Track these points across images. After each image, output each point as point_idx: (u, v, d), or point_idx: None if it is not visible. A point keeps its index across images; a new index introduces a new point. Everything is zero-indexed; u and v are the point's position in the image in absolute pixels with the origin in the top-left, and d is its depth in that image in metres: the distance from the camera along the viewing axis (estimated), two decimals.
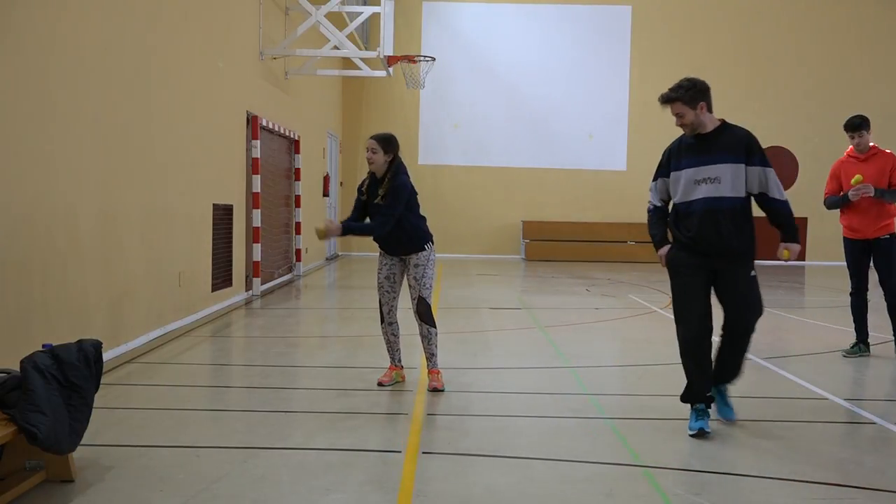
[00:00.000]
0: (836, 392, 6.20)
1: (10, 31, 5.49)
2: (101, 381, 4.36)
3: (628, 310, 10.96)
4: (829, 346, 8.07)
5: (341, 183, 20.11)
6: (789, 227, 5.16)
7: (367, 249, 20.06)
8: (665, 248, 5.24)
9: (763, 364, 7.30)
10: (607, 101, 20.54)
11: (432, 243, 6.12)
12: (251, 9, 11.87)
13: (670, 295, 5.33)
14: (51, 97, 6.01)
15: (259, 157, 11.70)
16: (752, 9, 20.73)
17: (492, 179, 20.79)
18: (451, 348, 7.81)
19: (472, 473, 4.28)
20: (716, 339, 5.21)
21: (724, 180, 4.96)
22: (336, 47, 14.23)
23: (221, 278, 10.51)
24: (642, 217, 5.92)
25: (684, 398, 5.15)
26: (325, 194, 17.64)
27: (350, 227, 5.97)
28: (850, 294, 7.67)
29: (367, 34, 19.73)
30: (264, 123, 12.06)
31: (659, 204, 5.30)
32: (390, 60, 14.10)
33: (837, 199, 7.54)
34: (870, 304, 7.75)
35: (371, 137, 6.12)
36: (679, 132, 5.22)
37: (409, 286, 6.07)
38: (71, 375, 4.04)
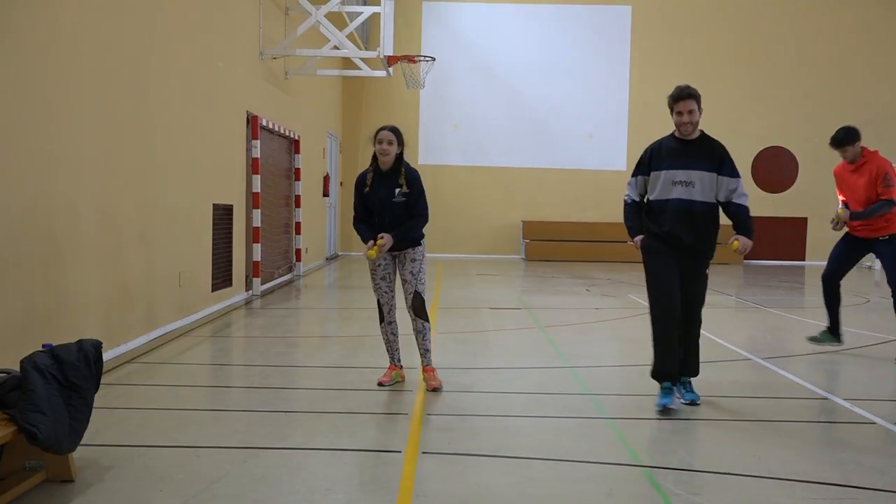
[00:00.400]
0: (836, 392, 6.20)
1: (10, 31, 5.49)
2: (101, 381, 4.36)
3: (628, 310, 10.96)
4: (829, 345, 8.05)
5: (341, 183, 20.11)
6: (748, 226, 5.63)
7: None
8: (640, 237, 5.71)
9: (763, 364, 7.30)
10: (607, 101, 20.54)
11: (424, 238, 6.17)
12: (251, 9, 11.87)
13: (706, 291, 5.80)
14: (50, 97, 6.01)
15: (259, 157, 11.70)
16: (752, 9, 20.73)
17: (492, 179, 20.79)
18: (451, 348, 7.81)
19: (471, 473, 4.28)
20: None
21: (697, 185, 5.51)
22: (336, 47, 14.23)
23: (221, 278, 10.51)
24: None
25: (654, 375, 5.59)
26: (325, 194, 17.64)
27: (401, 235, 5.91)
28: (822, 279, 7.75)
29: (367, 34, 19.74)
30: (264, 123, 12.06)
31: (637, 198, 5.78)
32: (390, 60, 14.09)
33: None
34: (870, 304, 7.75)
35: (386, 129, 5.96)
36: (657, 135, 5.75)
37: (404, 281, 6.07)
38: (71, 375, 4.04)
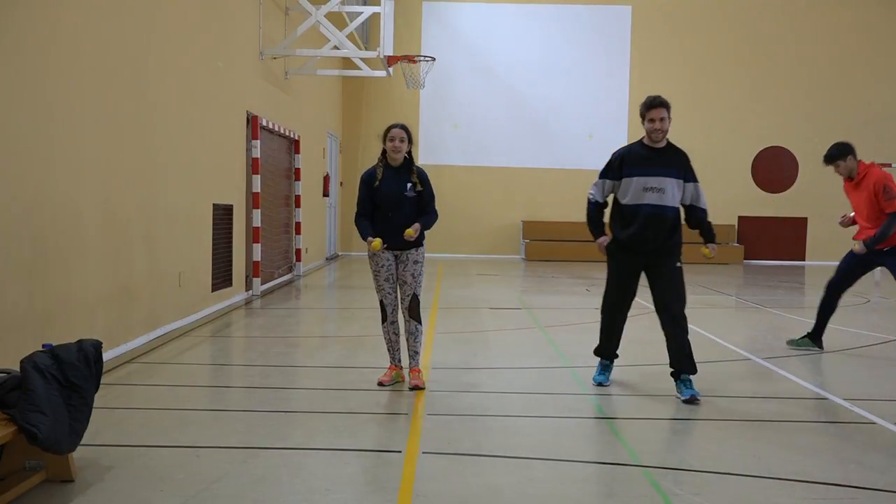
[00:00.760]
0: (836, 392, 6.20)
1: (10, 31, 5.49)
2: (101, 381, 4.36)
3: None
4: (829, 346, 8.07)
5: (341, 183, 20.11)
6: (710, 230, 6.13)
7: (366, 249, 20.02)
8: (604, 238, 6.14)
9: (763, 364, 7.30)
10: (607, 101, 20.53)
11: (425, 239, 6.19)
12: (251, 9, 11.87)
13: (685, 295, 6.05)
14: (51, 97, 6.01)
15: (259, 157, 11.70)
16: (752, 9, 20.72)
17: (492, 179, 20.79)
18: (451, 348, 7.81)
19: (472, 473, 4.28)
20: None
21: (667, 191, 5.90)
22: (336, 47, 14.23)
23: (221, 278, 10.51)
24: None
25: (597, 352, 6.31)
26: (325, 194, 17.64)
27: (424, 224, 5.98)
28: (826, 285, 7.78)
29: (367, 34, 19.73)
30: (264, 123, 12.06)
31: (601, 200, 6.16)
32: (390, 60, 14.09)
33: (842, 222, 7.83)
34: (871, 304, 7.75)
35: (398, 127, 6.01)
36: (622, 141, 5.85)
37: (403, 283, 6.09)
38: (71, 375, 4.04)
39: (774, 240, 20.83)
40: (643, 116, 5.95)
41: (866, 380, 6.97)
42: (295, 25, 13.87)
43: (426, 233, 6.18)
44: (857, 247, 7.51)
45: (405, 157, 6.04)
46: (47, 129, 5.97)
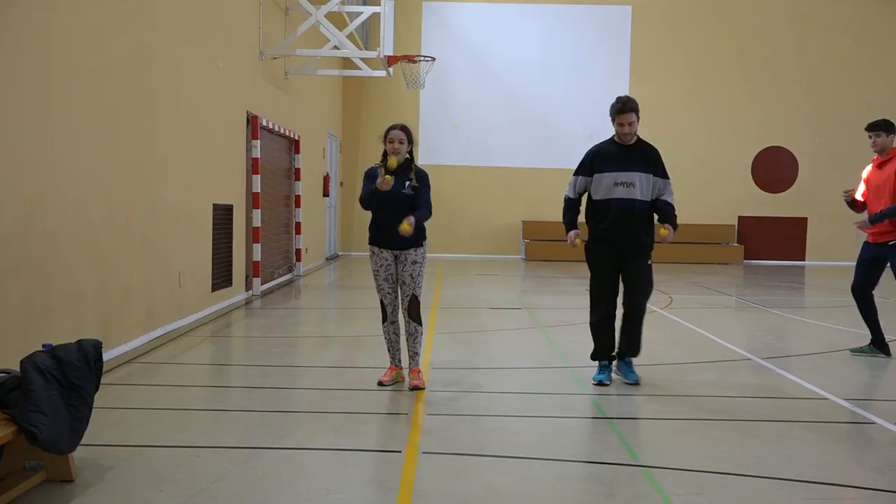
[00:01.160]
0: (836, 392, 6.20)
1: (9, 31, 5.49)
2: (101, 381, 4.36)
3: None
4: (829, 346, 8.07)
5: (341, 183, 20.11)
6: (673, 219, 6.29)
7: (366, 249, 20.01)
8: (574, 232, 6.36)
9: (763, 364, 7.30)
10: (607, 101, 20.27)
11: (426, 240, 6.18)
12: (251, 9, 11.87)
13: (652, 287, 6.43)
14: (50, 97, 6.01)
15: (259, 157, 11.70)
16: (752, 9, 20.72)
17: (492, 179, 20.79)
18: (451, 348, 7.81)
19: (472, 473, 4.28)
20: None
21: (637, 186, 6.17)
22: (336, 47, 14.23)
23: (221, 278, 10.51)
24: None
25: (594, 356, 6.45)
26: (325, 194, 17.64)
27: (417, 217, 5.90)
28: (851, 291, 7.67)
29: (367, 34, 19.73)
30: (264, 123, 12.06)
31: (574, 196, 6.45)
32: (390, 60, 14.09)
33: (849, 203, 7.65)
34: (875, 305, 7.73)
35: (397, 128, 6.00)
36: (592, 140, 6.66)
37: (402, 283, 6.08)
38: (71, 375, 4.04)
39: (774, 240, 20.83)
40: (613, 119, 6.27)
41: (866, 380, 6.97)
42: (295, 25, 13.88)
43: (427, 234, 6.18)
44: (861, 221, 7.42)
45: (406, 157, 6.04)
46: (47, 129, 5.97)
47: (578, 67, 20.67)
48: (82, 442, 4.14)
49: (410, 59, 15.01)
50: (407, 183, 5.97)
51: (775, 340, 8.91)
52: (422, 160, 20.07)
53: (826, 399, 6.04)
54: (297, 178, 14.63)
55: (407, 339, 6.16)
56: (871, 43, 20.68)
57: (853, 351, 7.74)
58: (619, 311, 6.51)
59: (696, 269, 18.52)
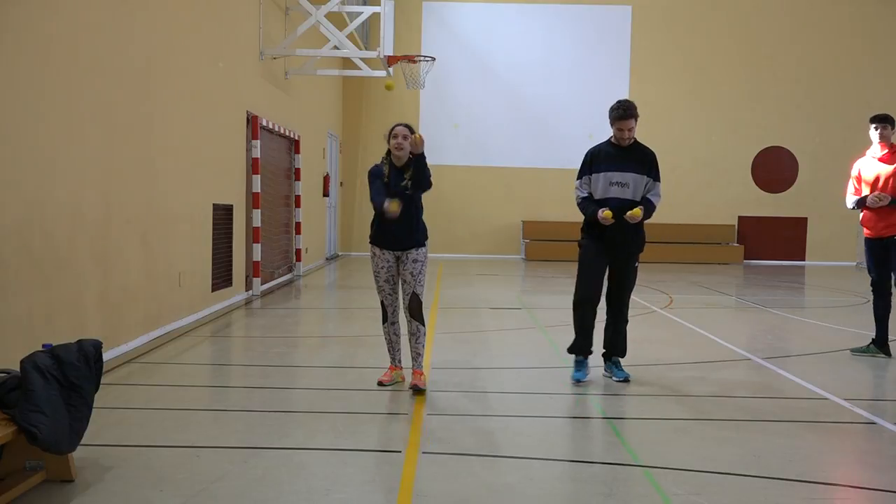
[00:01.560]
0: (836, 392, 6.20)
1: (9, 30, 5.49)
2: (101, 381, 4.36)
3: None
4: (829, 346, 8.07)
5: (341, 183, 20.11)
6: (649, 211, 6.34)
7: (366, 249, 20.00)
8: (601, 210, 6.25)
9: (763, 364, 7.30)
10: (607, 101, 20.26)
11: (428, 240, 6.15)
12: (251, 9, 11.87)
13: (635, 280, 6.59)
14: (50, 97, 6.01)
15: (259, 157, 11.70)
16: (752, 9, 20.72)
17: (492, 179, 20.78)
18: (451, 348, 7.81)
19: (472, 473, 4.28)
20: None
21: (631, 186, 6.30)
22: (336, 47, 14.23)
23: (221, 278, 10.51)
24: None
25: (571, 350, 6.50)
26: (325, 194, 17.64)
27: (408, 195, 5.85)
28: (871, 286, 7.65)
29: (367, 34, 19.73)
30: (264, 123, 12.06)
31: (586, 194, 6.49)
32: (390, 60, 14.09)
33: (859, 200, 7.58)
34: (871, 304, 7.73)
35: (401, 125, 5.97)
36: (589, 142, 6.72)
37: (403, 282, 6.05)
38: (71, 375, 4.04)
39: (774, 240, 20.83)
40: (613, 123, 6.37)
41: (866, 380, 6.97)
42: (295, 25, 13.88)
43: (429, 234, 6.13)
44: (872, 198, 7.38)
45: (410, 156, 5.98)
46: (47, 129, 5.97)
47: (578, 67, 20.67)
48: (82, 442, 4.14)
49: (410, 59, 15.00)
50: (409, 182, 5.90)
51: (775, 340, 8.91)
52: None
53: (826, 399, 6.04)
54: (297, 178, 14.63)
55: (409, 340, 6.10)
56: (871, 43, 20.67)
57: (853, 351, 7.75)
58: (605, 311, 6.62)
59: (696, 269, 18.52)
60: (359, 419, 5.30)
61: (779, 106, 20.78)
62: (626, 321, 6.61)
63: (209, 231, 9.93)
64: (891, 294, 7.61)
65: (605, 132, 6.76)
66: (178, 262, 8.76)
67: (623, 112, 6.29)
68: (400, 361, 6.30)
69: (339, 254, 20.35)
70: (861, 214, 7.65)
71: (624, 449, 4.77)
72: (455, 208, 20.22)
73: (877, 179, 7.46)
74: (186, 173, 9.02)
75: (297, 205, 14.65)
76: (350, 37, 15.78)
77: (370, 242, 6.15)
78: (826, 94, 20.71)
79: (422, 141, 5.81)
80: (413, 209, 5.96)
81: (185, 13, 8.94)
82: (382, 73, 15.23)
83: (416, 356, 6.08)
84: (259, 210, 11.78)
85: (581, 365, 6.46)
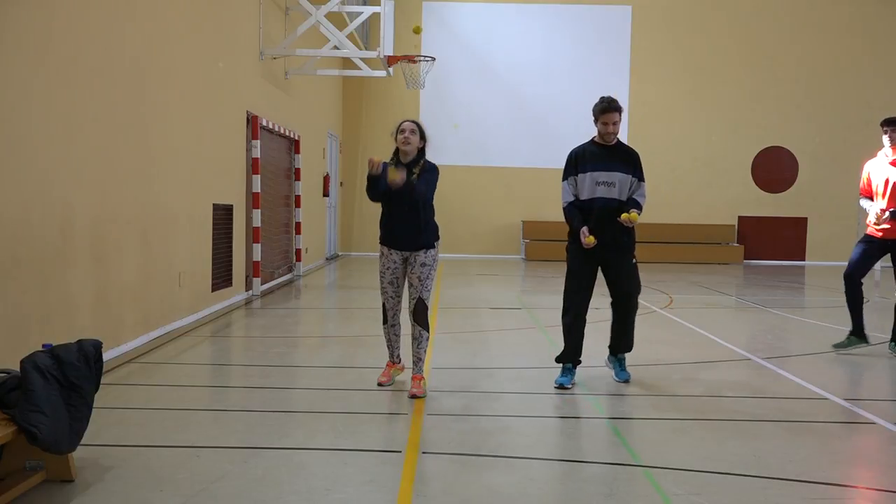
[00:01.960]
0: (836, 392, 6.20)
1: (9, 30, 5.49)
2: (101, 381, 4.36)
3: None
4: (829, 346, 8.06)
5: (341, 183, 20.11)
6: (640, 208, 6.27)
7: (366, 249, 20.06)
8: (584, 229, 6.18)
9: (763, 364, 7.30)
10: None
11: (439, 241, 6.08)
12: (251, 9, 11.87)
13: (639, 283, 6.50)
14: (50, 97, 6.00)
15: (259, 157, 11.70)
16: (752, 9, 20.71)
17: (492, 179, 20.78)
18: (451, 348, 7.81)
19: (472, 473, 4.28)
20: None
21: (617, 186, 6.24)
22: (336, 47, 14.23)
23: (221, 278, 10.51)
24: (641, 218, 6.26)
25: (559, 359, 6.39)
26: (325, 194, 17.64)
27: (412, 182, 5.72)
28: (844, 277, 7.74)
29: (367, 34, 19.73)
30: (264, 123, 12.06)
31: (572, 199, 6.39)
32: (390, 60, 14.09)
33: (867, 207, 7.67)
34: (871, 304, 7.75)
35: (408, 121, 5.94)
36: (578, 140, 6.62)
37: (410, 285, 5.99)
38: (71, 375, 4.04)
39: (774, 240, 20.83)
40: (596, 118, 6.28)
41: (866, 380, 6.97)
42: (295, 25, 13.87)
43: (439, 236, 6.08)
44: (880, 213, 7.45)
45: (418, 152, 5.89)
46: (47, 129, 5.97)
47: (578, 67, 20.66)
48: (82, 442, 4.14)
49: (410, 59, 15.00)
50: (413, 177, 5.87)
51: (775, 340, 8.91)
52: None
53: (826, 399, 6.04)
54: (297, 178, 14.63)
55: (412, 343, 6.01)
56: (871, 43, 20.67)
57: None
58: (604, 312, 6.57)
59: (696, 269, 18.51)
60: (359, 419, 5.30)
61: (779, 106, 20.78)
62: (635, 311, 6.45)
63: (209, 231, 9.93)
64: (861, 285, 7.78)
65: None
66: (178, 262, 8.76)
67: (608, 104, 6.20)
68: (399, 358, 6.28)
69: (339, 254, 20.35)
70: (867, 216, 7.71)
71: (624, 449, 4.78)
72: (455, 208, 20.19)
73: (887, 182, 7.51)
74: (186, 173, 9.02)
75: (297, 205, 14.65)
76: (350, 37, 15.78)
77: (380, 243, 6.05)
78: (826, 94, 20.70)
79: (401, 180, 5.61)
80: (421, 208, 5.88)
81: (185, 13, 8.94)
82: (382, 73, 15.24)
83: (417, 360, 6.01)
84: (259, 210, 11.78)
85: (567, 371, 6.35)
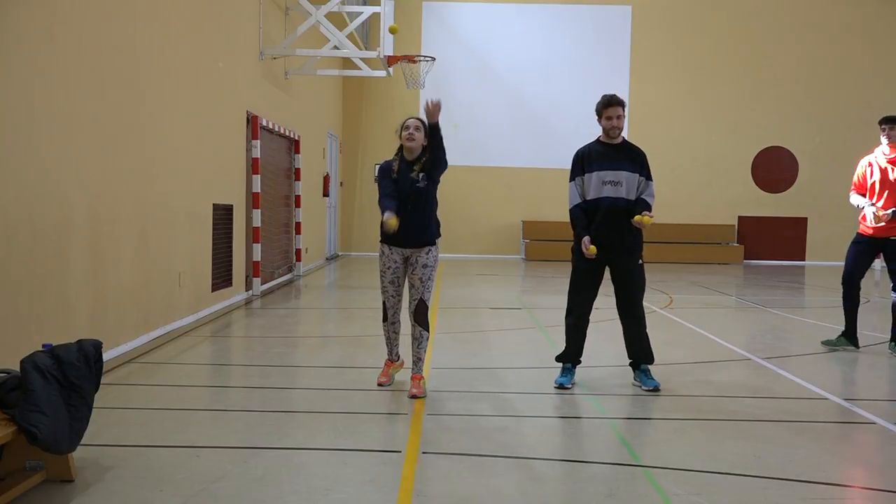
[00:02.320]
0: (836, 392, 6.20)
1: (8, 30, 5.49)
2: (101, 381, 4.36)
3: None
4: (829, 346, 8.05)
5: (341, 183, 20.10)
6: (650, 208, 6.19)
7: (366, 249, 20.06)
8: (586, 238, 6.13)
9: (763, 364, 7.30)
10: None
11: (440, 238, 6.06)
12: (251, 9, 11.87)
13: (644, 281, 6.43)
14: (50, 97, 6.00)
15: (259, 157, 11.70)
16: (752, 9, 20.72)
17: (492, 179, 20.77)
18: (451, 348, 7.81)
19: (472, 473, 4.28)
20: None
21: (624, 185, 6.16)
22: (336, 47, 14.23)
23: (221, 278, 10.51)
24: None
25: (559, 358, 6.41)
26: (325, 194, 17.64)
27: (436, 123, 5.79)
28: (842, 281, 7.79)
29: (367, 34, 19.73)
30: (264, 123, 12.06)
31: (579, 202, 6.29)
32: (390, 60, 14.09)
33: (862, 204, 7.66)
34: (870, 304, 7.75)
35: (413, 118, 5.96)
36: (582, 140, 6.61)
37: (411, 286, 5.98)
38: (71, 375, 4.04)
39: (774, 240, 20.83)
40: (600, 115, 6.27)
41: (866, 380, 6.97)
42: (295, 25, 13.87)
43: (441, 233, 6.07)
44: (881, 213, 7.46)
45: (422, 149, 5.88)
46: (47, 129, 5.96)
47: (578, 67, 20.66)
48: (82, 442, 4.14)
49: (410, 59, 15.00)
50: (421, 174, 5.83)
51: (775, 340, 8.91)
52: None
53: (826, 399, 6.04)
54: (297, 178, 14.63)
55: (412, 343, 6.01)
56: (871, 43, 20.67)
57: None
58: (606, 317, 6.55)
59: (696, 269, 18.51)
60: (359, 419, 5.30)
61: (779, 106, 20.78)
62: (643, 318, 6.36)
63: (209, 231, 9.93)
64: (859, 288, 7.83)
65: None
66: (178, 262, 8.76)
67: (609, 99, 6.20)
68: (398, 356, 6.28)
69: (339, 254, 20.35)
70: (862, 214, 7.69)
71: (624, 449, 4.78)
72: (455, 208, 20.18)
73: (883, 180, 7.51)
74: (186, 173, 9.02)
75: (297, 205, 14.65)
76: (350, 37, 15.78)
77: (380, 241, 6.02)
78: (826, 94, 20.71)
79: (437, 106, 5.65)
80: (424, 204, 5.85)
81: (185, 13, 8.94)
82: (382, 73, 15.23)
83: (417, 360, 6.01)
84: (259, 210, 11.78)
85: (567, 371, 6.32)
